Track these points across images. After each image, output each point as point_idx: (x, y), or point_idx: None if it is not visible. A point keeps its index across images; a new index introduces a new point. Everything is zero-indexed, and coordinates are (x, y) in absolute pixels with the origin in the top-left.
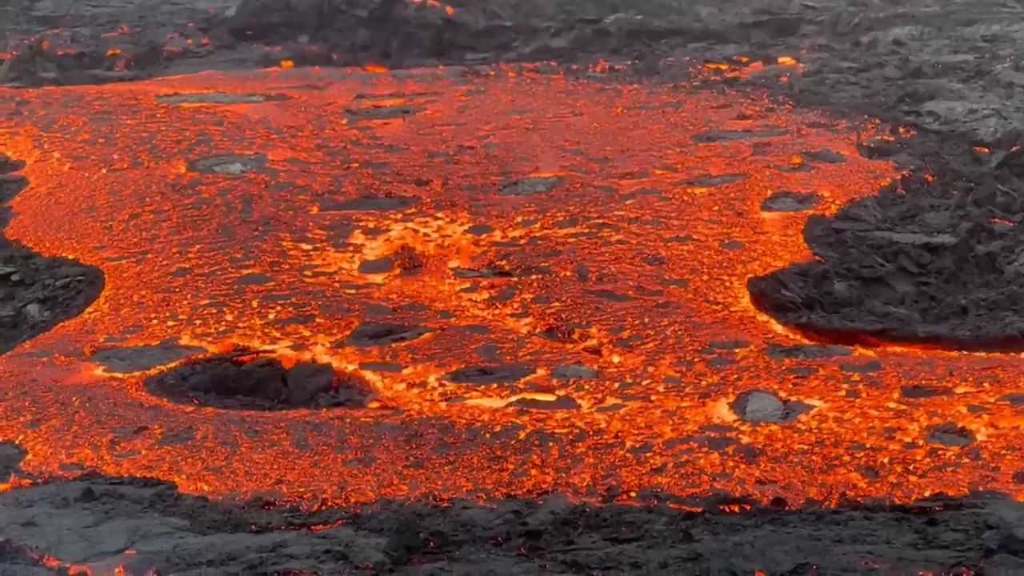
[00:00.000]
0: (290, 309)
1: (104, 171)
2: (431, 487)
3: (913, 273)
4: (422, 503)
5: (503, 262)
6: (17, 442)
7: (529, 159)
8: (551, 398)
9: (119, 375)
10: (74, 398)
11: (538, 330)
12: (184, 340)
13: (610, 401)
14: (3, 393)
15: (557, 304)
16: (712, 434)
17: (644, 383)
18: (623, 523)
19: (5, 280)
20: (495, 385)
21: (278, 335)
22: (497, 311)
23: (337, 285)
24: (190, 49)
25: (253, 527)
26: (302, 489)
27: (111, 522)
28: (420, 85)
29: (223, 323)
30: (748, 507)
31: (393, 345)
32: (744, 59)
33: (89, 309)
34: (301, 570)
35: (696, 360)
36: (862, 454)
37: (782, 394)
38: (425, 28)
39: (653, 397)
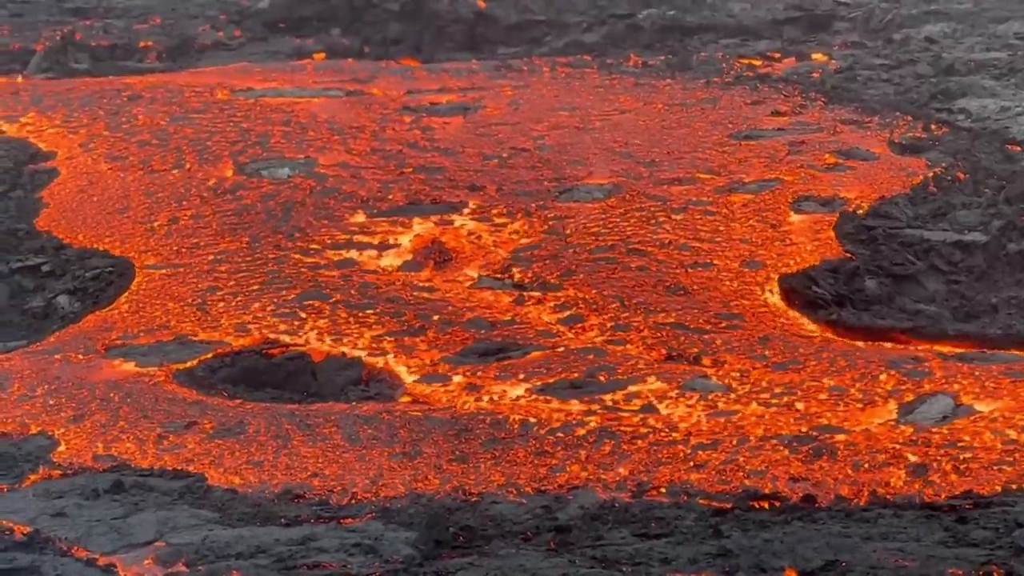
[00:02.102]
0: (388, 320)
1: (141, 172)
2: (464, 481)
3: (944, 271)
4: (451, 497)
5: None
6: (57, 436)
7: (582, 162)
8: (635, 407)
9: (149, 370)
10: (111, 394)
11: (654, 355)
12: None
13: (728, 407)
14: (31, 390)
15: (639, 333)
16: (815, 433)
17: (798, 393)
18: (652, 519)
19: (35, 271)
20: (575, 400)
21: (390, 349)
22: (589, 334)
23: (409, 291)
24: (222, 41)
25: (283, 520)
26: (334, 482)
27: (140, 514)
28: (463, 80)
29: (316, 330)
30: (778, 504)
31: (500, 363)
32: (776, 55)
33: (124, 308)
34: (330, 563)
35: (881, 373)
36: (940, 452)
37: (966, 398)
38: (457, 22)
39: (799, 405)
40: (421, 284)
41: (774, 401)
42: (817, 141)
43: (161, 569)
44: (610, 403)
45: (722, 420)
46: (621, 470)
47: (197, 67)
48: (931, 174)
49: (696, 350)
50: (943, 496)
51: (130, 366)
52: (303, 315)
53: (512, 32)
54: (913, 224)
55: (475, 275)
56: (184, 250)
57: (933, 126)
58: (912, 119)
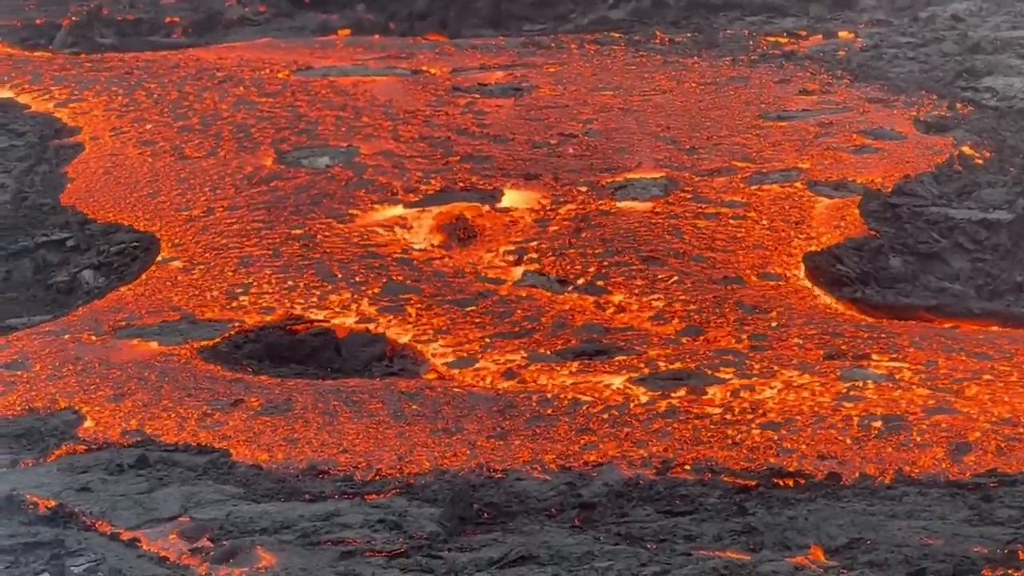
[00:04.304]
0: (499, 321)
1: (172, 158)
2: (491, 457)
3: (969, 249)
4: (476, 474)
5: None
6: (96, 416)
7: (628, 149)
8: (730, 393)
9: (174, 348)
10: (146, 373)
11: (811, 356)
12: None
13: (864, 394)
14: (57, 369)
15: (782, 341)
16: (923, 413)
17: (983, 379)
18: (677, 496)
19: (60, 245)
20: (665, 390)
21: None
22: (721, 342)
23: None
24: (247, 16)
25: (307, 496)
26: (360, 458)
27: (165, 489)
28: (500, 57)
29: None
30: (802, 481)
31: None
32: (802, 32)
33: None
34: (354, 539)
35: None
36: (1013, 432)
37: None
38: None
39: (972, 390)
40: (490, 276)
41: (945, 386)
42: (845, 121)
43: (185, 544)
44: (704, 389)
45: (829, 402)
46: (654, 448)
47: (224, 42)
48: (956, 152)
49: (873, 349)
50: (968, 475)
51: (152, 345)
52: (411, 311)
53: (537, 8)
54: (938, 202)
55: (519, 272)
56: (212, 250)
57: (959, 104)
58: (938, 97)
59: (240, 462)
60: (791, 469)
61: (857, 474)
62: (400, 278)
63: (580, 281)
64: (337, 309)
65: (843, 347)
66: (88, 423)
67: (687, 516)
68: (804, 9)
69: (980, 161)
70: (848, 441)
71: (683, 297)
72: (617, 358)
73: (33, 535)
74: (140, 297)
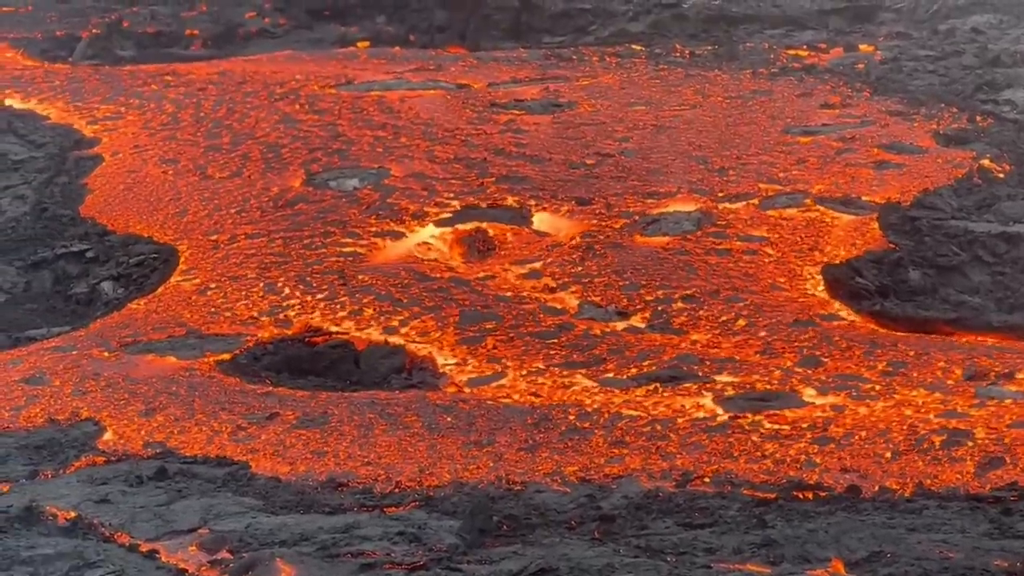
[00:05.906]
0: (580, 353)
1: (197, 178)
2: (512, 470)
3: (988, 262)
4: (495, 486)
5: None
6: (125, 431)
7: (663, 171)
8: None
9: (193, 363)
10: (174, 387)
11: (950, 380)
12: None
13: (977, 412)
14: (80, 384)
15: (922, 370)
16: (999, 431)
17: None
18: (696, 508)
19: (79, 257)
20: (751, 413)
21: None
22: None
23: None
24: (267, 29)
25: (326, 508)
26: (381, 471)
27: (184, 501)
28: (528, 70)
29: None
30: (822, 494)
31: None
32: (822, 46)
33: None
34: (373, 551)
35: None
36: None
37: None
38: (502, 10)
39: None
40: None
41: None
42: (866, 135)
43: (205, 555)
44: (785, 409)
45: (919, 418)
46: (679, 460)
47: (243, 55)
48: (976, 166)
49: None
50: (988, 488)
51: (170, 359)
52: (490, 341)
53: (558, 20)
54: (958, 215)
55: (575, 303)
56: (229, 276)
57: (978, 117)
58: (958, 110)
59: (259, 474)
60: (811, 482)
61: (877, 487)
62: (468, 303)
63: (636, 316)
64: (414, 335)
65: (993, 368)
66: (108, 435)
67: (707, 528)
68: (824, 22)
69: (1000, 174)
70: (888, 455)
71: (775, 337)
72: (706, 382)
73: (53, 546)
74: (150, 313)
